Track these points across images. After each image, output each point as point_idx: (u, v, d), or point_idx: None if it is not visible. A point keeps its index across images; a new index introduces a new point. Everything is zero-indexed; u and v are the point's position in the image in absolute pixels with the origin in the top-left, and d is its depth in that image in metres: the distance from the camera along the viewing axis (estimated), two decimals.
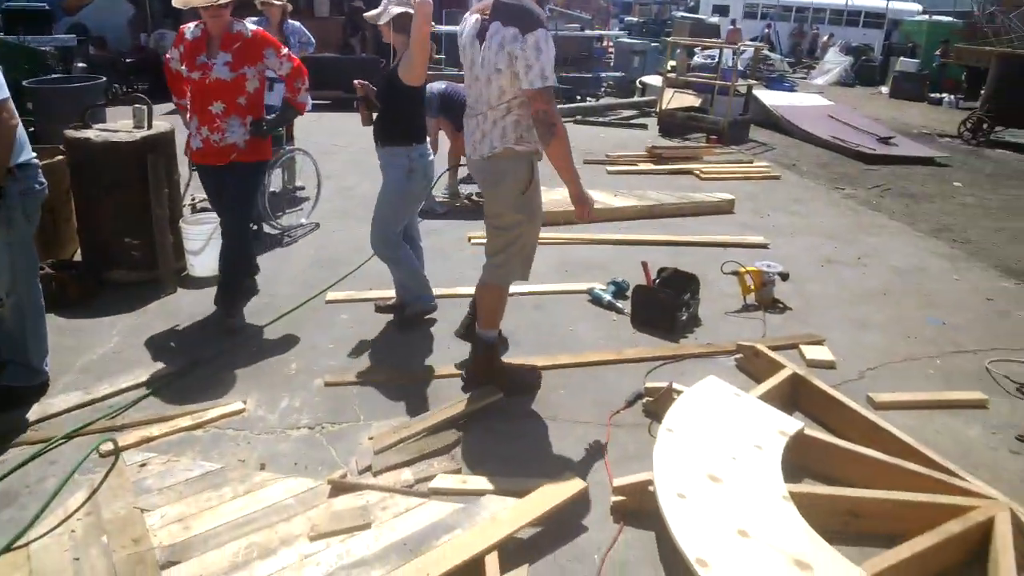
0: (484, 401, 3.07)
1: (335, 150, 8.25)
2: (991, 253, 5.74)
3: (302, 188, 6.34)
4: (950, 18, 23.38)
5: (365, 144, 8.69)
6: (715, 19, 19.09)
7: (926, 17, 23.38)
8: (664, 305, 3.89)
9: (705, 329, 4.01)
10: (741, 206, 6.54)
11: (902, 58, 19.79)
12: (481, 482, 2.57)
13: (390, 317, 4.03)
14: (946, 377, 3.58)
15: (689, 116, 10.39)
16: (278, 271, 4.69)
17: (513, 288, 4.39)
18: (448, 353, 3.64)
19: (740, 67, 11.95)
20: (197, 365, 3.47)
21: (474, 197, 6.47)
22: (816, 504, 2.35)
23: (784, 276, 4.33)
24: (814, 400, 3.13)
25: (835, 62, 22.11)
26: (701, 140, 9.91)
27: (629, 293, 4.16)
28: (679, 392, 2.99)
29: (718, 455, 2.48)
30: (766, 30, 26.33)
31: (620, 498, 2.47)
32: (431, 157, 3.87)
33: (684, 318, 3.93)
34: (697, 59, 12.65)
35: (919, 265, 5.30)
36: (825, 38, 26.19)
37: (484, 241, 3.29)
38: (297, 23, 6.27)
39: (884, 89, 19.47)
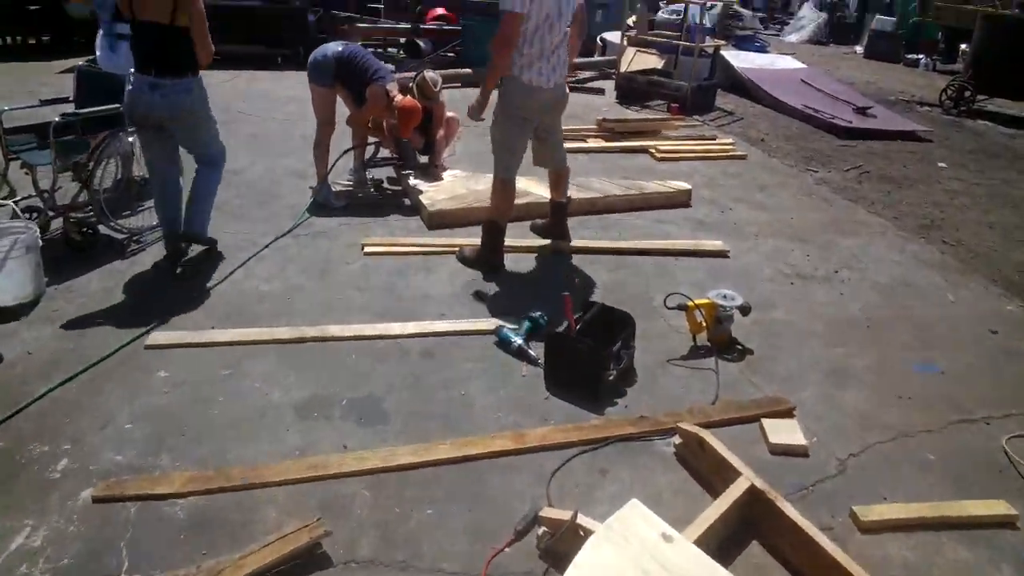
0: (306, 540, 2.11)
1: (238, 119, 7.05)
2: (988, 260, 4.88)
3: None
4: None
5: (279, 111, 7.55)
6: None
7: None
8: (586, 362, 2.93)
9: (641, 388, 3.08)
10: (699, 195, 5.58)
11: (878, 15, 18.79)
12: None
13: (227, 373, 3.03)
14: (951, 465, 2.71)
15: (650, 81, 9.31)
16: (102, 296, 3.63)
17: (400, 328, 3.43)
18: (286, 438, 2.65)
19: (708, 24, 10.87)
20: None
21: (384, 185, 5.41)
22: None
23: (745, 310, 3.41)
24: (779, 530, 2.23)
25: (809, 18, 21.04)
26: (663, 108, 8.89)
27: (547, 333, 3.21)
28: (586, 530, 2.06)
29: None
30: None
31: None
32: (130, 86, 3.67)
33: (612, 378, 2.99)
34: (662, 14, 11.49)
35: (906, 279, 4.41)
36: None
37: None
38: None
39: (859, 49, 18.53)
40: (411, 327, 3.39)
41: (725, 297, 3.43)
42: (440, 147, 5.49)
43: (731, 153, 6.94)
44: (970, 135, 9.15)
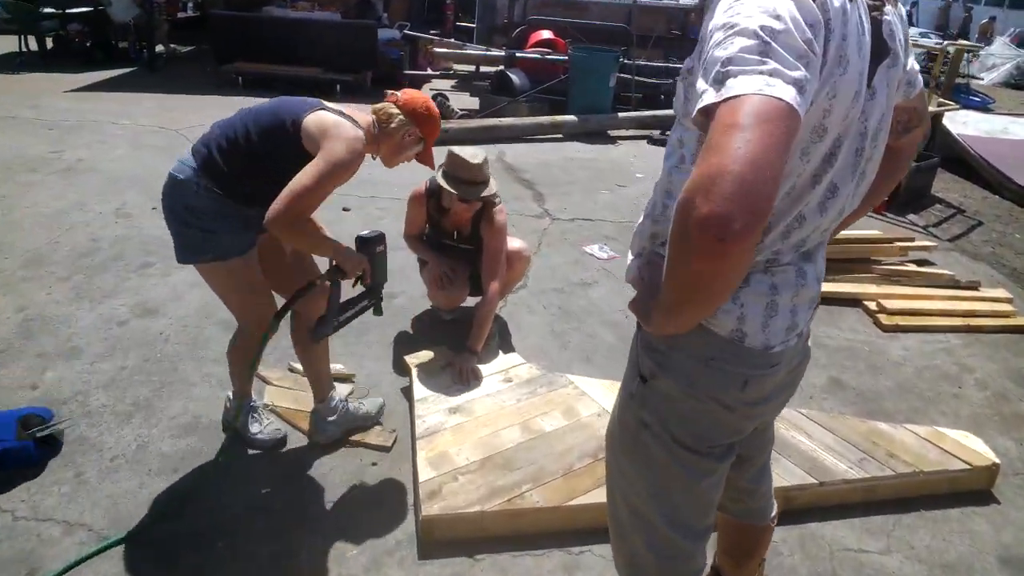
0: None
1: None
2: None
3: None
4: None
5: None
6: None
7: None
8: None
9: None
10: (996, 450, 2.73)
11: None
12: None
13: None
14: None
15: None
16: None
17: None
18: None
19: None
20: None
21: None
22: None
23: None
24: None
25: (1003, 56, 17.14)
26: None
27: None
28: None
29: None
30: (910, 9, 21.29)
31: None
32: None
33: None
34: None
35: None
36: (984, 21, 20.80)
37: None
38: None
39: None
40: None
41: None
42: (490, 312, 2.91)
43: (1005, 320, 3.98)
44: None
